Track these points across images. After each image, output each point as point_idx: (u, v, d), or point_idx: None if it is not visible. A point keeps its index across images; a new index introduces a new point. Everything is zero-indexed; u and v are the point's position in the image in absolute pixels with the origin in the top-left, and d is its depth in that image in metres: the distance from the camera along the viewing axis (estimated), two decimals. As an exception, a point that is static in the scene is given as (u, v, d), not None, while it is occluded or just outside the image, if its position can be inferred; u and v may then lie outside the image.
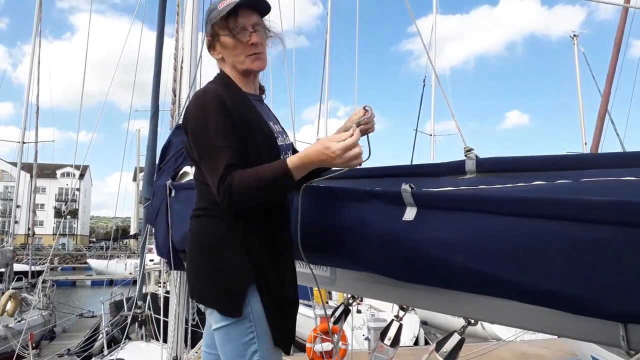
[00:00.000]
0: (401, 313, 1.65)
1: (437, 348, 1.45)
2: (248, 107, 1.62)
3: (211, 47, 1.69)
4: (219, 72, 1.70)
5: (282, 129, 1.77)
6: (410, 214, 1.44)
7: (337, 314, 1.88)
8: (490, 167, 1.44)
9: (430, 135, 22.54)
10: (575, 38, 16.99)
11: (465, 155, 1.52)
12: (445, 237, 1.31)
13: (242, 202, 1.45)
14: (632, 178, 1.03)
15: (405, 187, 1.47)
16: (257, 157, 1.53)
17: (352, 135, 1.38)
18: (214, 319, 1.54)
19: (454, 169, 1.52)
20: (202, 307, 1.61)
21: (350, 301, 1.89)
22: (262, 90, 1.81)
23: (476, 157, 1.49)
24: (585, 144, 14.24)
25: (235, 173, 1.43)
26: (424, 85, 21.42)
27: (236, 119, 1.53)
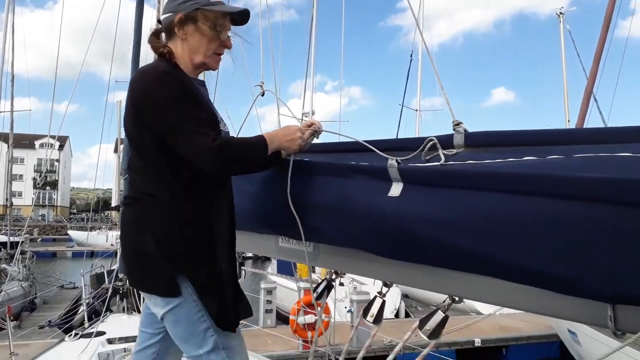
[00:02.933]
0: (384, 289, 1.63)
1: (421, 325, 1.43)
2: (197, 90, 1.62)
3: (179, 25, 1.63)
4: (158, 57, 1.64)
5: (221, 117, 1.78)
6: (396, 189, 1.40)
7: (320, 289, 1.85)
8: (480, 141, 1.39)
9: (416, 110, 22.51)
10: (561, 16, 16.91)
11: (454, 129, 1.46)
12: (432, 214, 1.27)
13: (233, 161, 1.52)
14: (628, 154, 0.99)
15: (392, 162, 1.43)
16: None
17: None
18: (159, 305, 1.54)
19: (442, 143, 1.47)
20: (143, 294, 1.62)
21: (333, 277, 1.86)
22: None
23: (465, 130, 1.44)
24: (569, 121, 14.33)
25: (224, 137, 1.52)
26: (411, 60, 21.35)
27: (192, 97, 1.54)
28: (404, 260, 1.41)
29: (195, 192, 1.54)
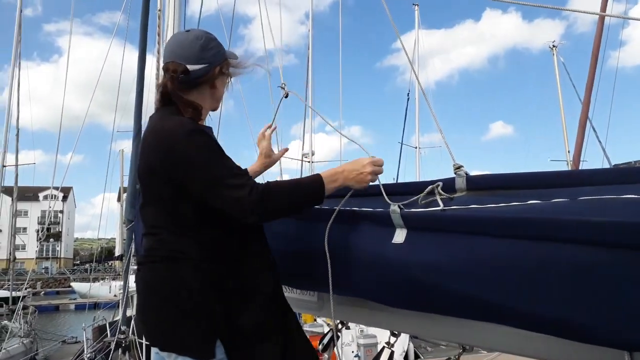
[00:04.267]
0: (392, 339, 1.58)
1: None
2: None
3: (218, 76, 1.63)
4: (170, 108, 1.57)
5: None
6: (400, 236, 1.37)
7: (326, 341, 1.80)
8: (482, 184, 1.38)
9: (416, 147, 22.63)
10: (554, 49, 17.23)
11: (455, 173, 1.45)
12: (437, 261, 1.24)
13: (277, 209, 1.44)
14: (633, 196, 0.98)
15: (394, 207, 1.41)
16: None
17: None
18: None
19: (444, 187, 1.46)
20: (165, 354, 1.49)
21: (340, 327, 1.81)
22: None
23: (466, 174, 1.43)
24: (569, 152, 14.38)
25: (265, 183, 1.44)
26: (408, 98, 21.64)
27: (221, 149, 1.50)
28: (411, 309, 1.37)
29: (230, 247, 1.49)
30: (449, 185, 1.42)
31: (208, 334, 1.42)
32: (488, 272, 1.14)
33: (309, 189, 1.48)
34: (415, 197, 1.43)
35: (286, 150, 2.10)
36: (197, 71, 1.57)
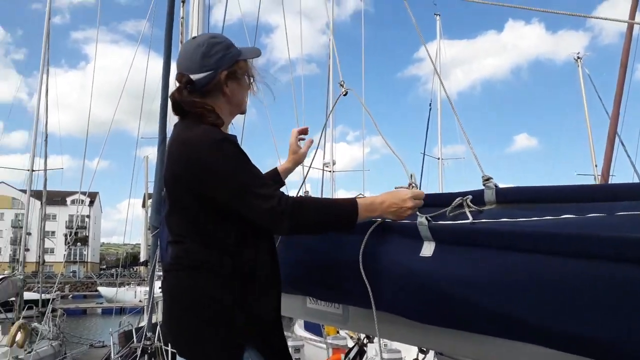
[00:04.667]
0: (420, 356, 1.54)
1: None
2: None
3: (225, 82, 1.57)
4: (192, 117, 1.53)
5: None
6: (428, 249, 1.35)
7: (352, 355, 1.77)
8: (512, 197, 1.34)
9: (438, 159, 22.39)
10: (579, 60, 16.83)
11: (484, 185, 1.42)
12: (466, 275, 1.21)
13: (306, 224, 1.42)
14: (675, 213, 0.94)
15: (422, 219, 1.38)
16: None
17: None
18: None
19: (473, 199, 1.43)
20: None
21: (365, 341, 1.78)
22: None
23: (495, 186, 1.40)
24: (596, 166, 14.00)
25: (299, 196, 1.44)
26: (430, 108, 21.47)
27: (247, 158, 1.49)
28: (438, 325, 1.34)
29: (254, 256, 1.48)
30: (477, 197, 1.39)
31: (228, 343, 1.41)
32: (519, 289, 1.10)
33: (341, 212, 1.44)
34: (444, 210, 1.40)
35: (311, 141, 2.02)
36: (201, 80, 1.54)
